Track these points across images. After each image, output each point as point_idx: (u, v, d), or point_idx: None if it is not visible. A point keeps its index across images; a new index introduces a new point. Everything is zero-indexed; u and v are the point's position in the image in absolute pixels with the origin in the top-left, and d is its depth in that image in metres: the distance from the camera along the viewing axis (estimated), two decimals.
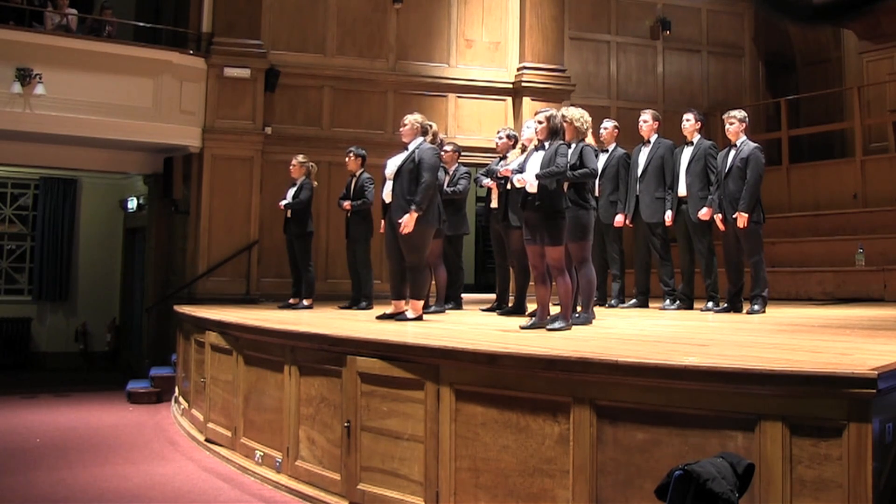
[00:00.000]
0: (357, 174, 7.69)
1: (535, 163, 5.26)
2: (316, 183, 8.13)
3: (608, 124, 7.94)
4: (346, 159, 7.81)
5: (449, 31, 10.62)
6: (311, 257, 8.01)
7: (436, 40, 10.58)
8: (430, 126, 6.41)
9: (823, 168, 10.74)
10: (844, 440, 2.87)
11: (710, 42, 12.07)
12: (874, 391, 2.81)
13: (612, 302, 7.80)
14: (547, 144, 5.25)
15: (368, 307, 7.58)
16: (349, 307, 7.76)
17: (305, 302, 7.92)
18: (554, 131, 5.28)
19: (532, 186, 5.20)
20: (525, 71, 10.61)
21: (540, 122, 5.32)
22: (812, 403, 2.94)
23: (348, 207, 7.63)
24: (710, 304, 7.01)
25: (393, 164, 6.21)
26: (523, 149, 6.34)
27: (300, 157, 8.06)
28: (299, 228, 7.88)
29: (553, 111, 5.41)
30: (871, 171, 10.01)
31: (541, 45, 10.74)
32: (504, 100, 10.71)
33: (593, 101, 10.69)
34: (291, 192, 7.97)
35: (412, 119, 6.26)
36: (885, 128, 10.65)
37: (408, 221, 5.93)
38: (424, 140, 6.23)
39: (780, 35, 12.42)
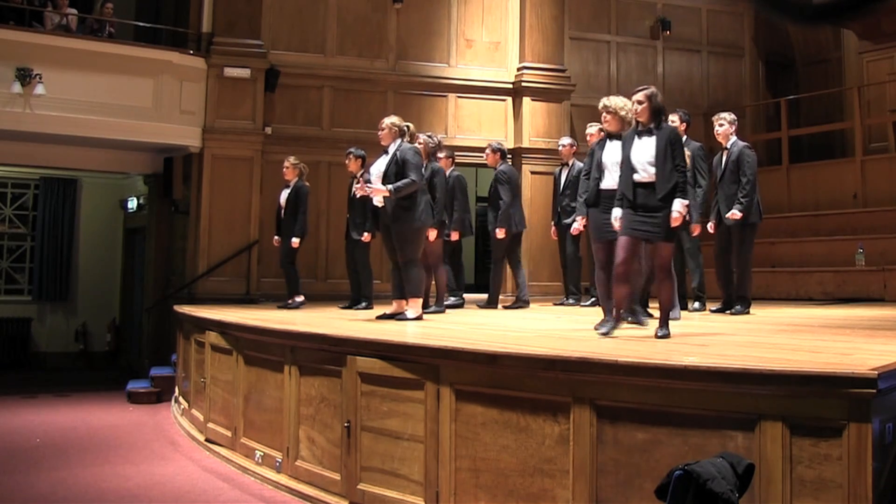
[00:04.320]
0: (357, 175, 7.69)
1: (646, 149, 4.64)
2: (308, 184, 8.12)
3: (593, 128, 7.80)
4: (346, 160, 7.82)
5: (449, 31, 10.62)
6: (294, 258, 7.98)
7: (436, 40, 10.58)
8: (408, 127, 6.44)
9: (823, 168, 10.75)
10: (844, 440, 2.87)
11: (710, 42, 12.08)
12: (874, 391, 2.81)
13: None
14: (653, 127, 4.65)
15: (368, 307, 7.59)
16: (349, 307, 7.77)
17: (298, 299, 7.92)
18: (657, 111, 4.67)
19: (648, 175, 4.61)
20: (525, 71, 10.61)
21: (640, 102, 4.68)
22: (812, 403, 2.94)
23: (367, 240, 7.71)
24: (696, 305, 7.01)
25: (377, 169, 6.25)
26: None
27: (292, 159, 8.04)
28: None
29: (652, 89, 4.74)
30: (871, 171, 10.02)
31: (541, 45, 10.74)
32: (504, 100, 10.71)
33: (593, 102, 10.50)
34: (285, 193, 7.98)
35: (389, 122, 6.30)
36: (885, 128, 10.66)
37: (376, 191, 6.05)
38: (402, 141, 6.26)
39: (780, 35, 12.42)
